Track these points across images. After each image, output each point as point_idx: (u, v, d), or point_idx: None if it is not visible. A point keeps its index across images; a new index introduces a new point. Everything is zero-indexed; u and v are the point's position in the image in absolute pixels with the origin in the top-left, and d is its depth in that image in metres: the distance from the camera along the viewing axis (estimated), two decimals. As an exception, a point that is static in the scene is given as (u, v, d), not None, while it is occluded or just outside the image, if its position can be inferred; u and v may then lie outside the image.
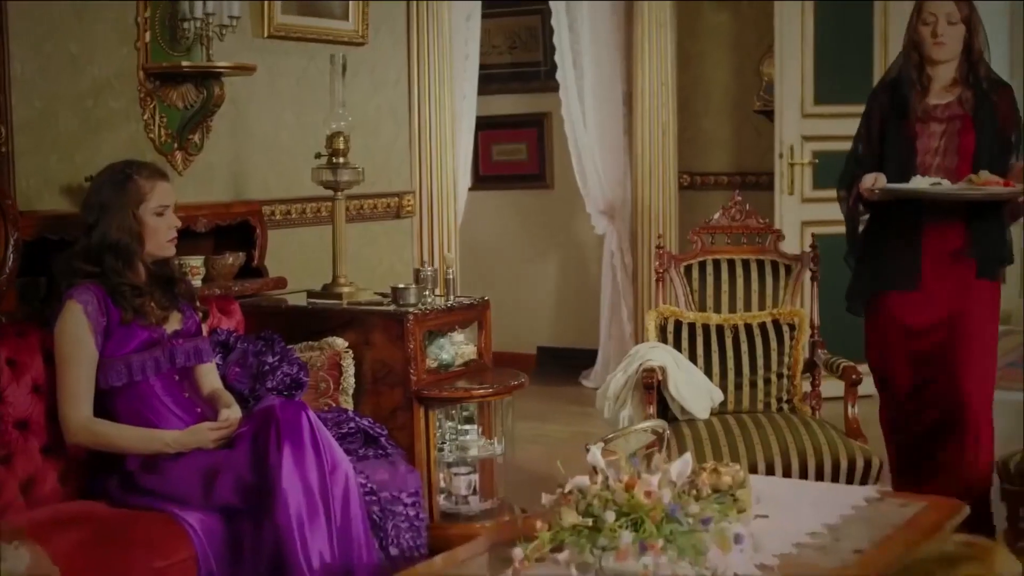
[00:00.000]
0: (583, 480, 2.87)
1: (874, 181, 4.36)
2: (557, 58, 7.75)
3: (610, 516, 2.75)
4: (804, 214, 7.23)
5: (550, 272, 8.92)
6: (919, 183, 4.29)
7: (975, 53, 4.43)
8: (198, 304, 4.00)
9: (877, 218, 4.55)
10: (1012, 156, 4.43)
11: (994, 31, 10.43)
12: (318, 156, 4.71)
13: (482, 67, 7.20)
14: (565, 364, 8.65)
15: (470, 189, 6.98)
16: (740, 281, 4.96)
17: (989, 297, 4.47)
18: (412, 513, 3.98)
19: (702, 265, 5.01)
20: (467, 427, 4.66)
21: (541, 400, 7.30)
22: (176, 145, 4.76)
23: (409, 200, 5.97)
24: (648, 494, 2.79)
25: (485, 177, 8.74)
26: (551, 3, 7.73)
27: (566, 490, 2.87)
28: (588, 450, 3.02)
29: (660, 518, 2.75)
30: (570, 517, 2.78)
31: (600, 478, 2.87)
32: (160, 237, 3.79)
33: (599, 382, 8.01)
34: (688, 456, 2.93)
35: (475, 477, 4.58)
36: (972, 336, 4.39)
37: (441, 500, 4.52)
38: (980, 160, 4.36)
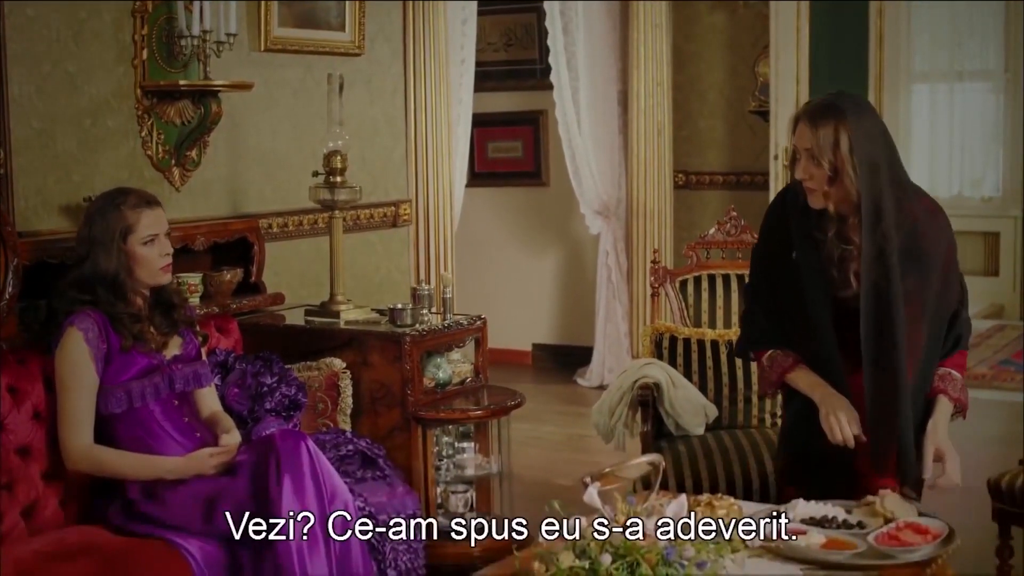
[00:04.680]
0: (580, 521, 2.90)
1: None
2: (552, 59, 7.77)
3: (607, 559, 2.78)
4: (799, 216, 7.25)
5: (546, 269, 8.95)
6: (802, 509, 3.32)
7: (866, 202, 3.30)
8: (198, 329, 4.02)
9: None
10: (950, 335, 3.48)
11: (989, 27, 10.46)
12: (315, 175, 4.73)
13: (478, 64, 7.22)
14: (561, 361, 8.72)
15: (465, 186, 7.01)
16: (735, 296, 4.99)
17: None
18: (410, 535, 4.01)
19: (697, 280, 5.05)
20: (464, 444, 4.70)
21: (536, 400, 7.33)
22: (174, 162, 4.78)
23: (406, 209, 5.99)
24: (644, 536, 2.83)
25: (480, 174, 8.77)
26: (545, 4, 7.74)
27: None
28: (585, 485, 3.05)
29: (656, 561, 2.78)
30: (567, 559, 2.81)
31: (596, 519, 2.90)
32: (151, 266, 3.77)
33: (594, 381, 8.09)
34: (683, 497, 2.97)
35: (472, 495, 4.62)
36: None
37: (438, 517, 4.56)
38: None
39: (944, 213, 3.47)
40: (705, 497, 3.26)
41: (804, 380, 3.48)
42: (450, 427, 4.70)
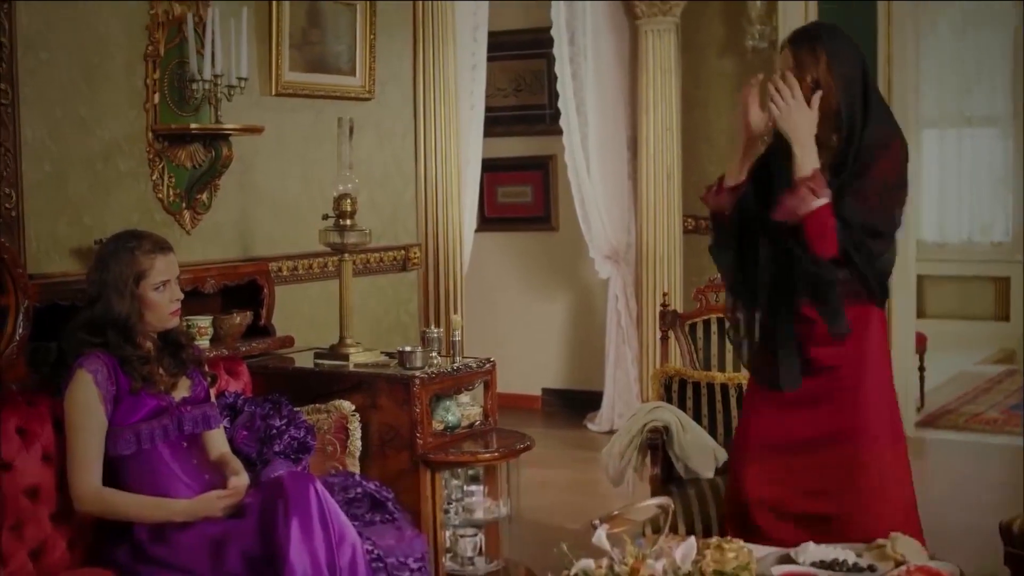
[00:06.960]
0: (588, 563, 2.89)
1: None
2: (561, 105, 7.81)
3: (616, 601, 2.77)
4: (807, 260, 7.24)
5: (556, 314, 8.95)
6: (812, 552, 3.31)
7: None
8: (206, 370, 4.02)
9: None
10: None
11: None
12: (326, 217, 4.74)
13: (487, 110, 7.24)
14: (570, 406, 8.70)
15: (475, 231, 7.03)
16: (744, 339, 4.98)
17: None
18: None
19: (706, 324, 5.05)
20: (473, 487, 4.68)
21: (546, 444, 7.31)
22: (184, 205, 4.80)
23: (416, 252, 6.01)
24: (653, 578, 2.81)
25: (490, 219, 8.80)
26: (554, 50, 7.79)
27: (571, 574, 2.89)
28: (595, 527, 3.04)
29: (665, 603, 2.77)
30: (576, 602, 2.80)
31: (605, 561, 2.89)
32: (161, 311, 3.80)
33: (604, 426, 8.06)
34: (692, 540, 2.96)
35: (481, 538, 4.60)
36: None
37: (447, 561, 4.54)
38: None
39: (900, 151, 3.63)
40: (715, 540, 3.24)
41: None
42: (459, 470, 4.69)
